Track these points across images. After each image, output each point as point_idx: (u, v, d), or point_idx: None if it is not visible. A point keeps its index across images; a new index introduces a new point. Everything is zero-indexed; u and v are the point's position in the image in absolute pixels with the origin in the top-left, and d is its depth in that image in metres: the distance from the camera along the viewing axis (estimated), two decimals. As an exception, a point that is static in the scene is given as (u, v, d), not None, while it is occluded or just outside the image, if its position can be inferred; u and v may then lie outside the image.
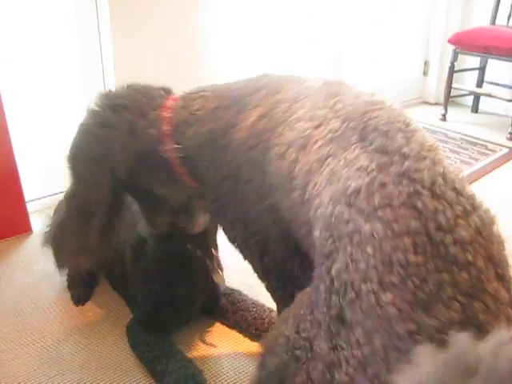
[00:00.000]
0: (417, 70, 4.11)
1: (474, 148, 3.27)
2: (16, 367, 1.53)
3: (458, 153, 3.18)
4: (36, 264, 2.02)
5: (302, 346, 0.88)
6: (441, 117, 3.73)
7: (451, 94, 3.70)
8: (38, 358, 1.56)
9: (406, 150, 0.86)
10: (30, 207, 2.25)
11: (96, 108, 1.31)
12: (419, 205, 0.78)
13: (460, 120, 3.76)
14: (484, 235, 0.78)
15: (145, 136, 1.25)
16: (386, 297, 0.72)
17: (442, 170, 0.84)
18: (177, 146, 1.22)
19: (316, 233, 0.91)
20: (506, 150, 3.23)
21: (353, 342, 0.76)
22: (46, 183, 2.42)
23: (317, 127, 0.99)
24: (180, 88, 1.32)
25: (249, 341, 1.62)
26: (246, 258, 1.31)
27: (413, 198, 0.78)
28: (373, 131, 0.92)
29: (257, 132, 1.09)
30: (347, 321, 0.78)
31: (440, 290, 0.71)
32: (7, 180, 2.10)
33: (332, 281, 0.81)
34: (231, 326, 1.67)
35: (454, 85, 3.65)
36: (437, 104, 4.04)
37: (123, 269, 1.69)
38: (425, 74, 4.13)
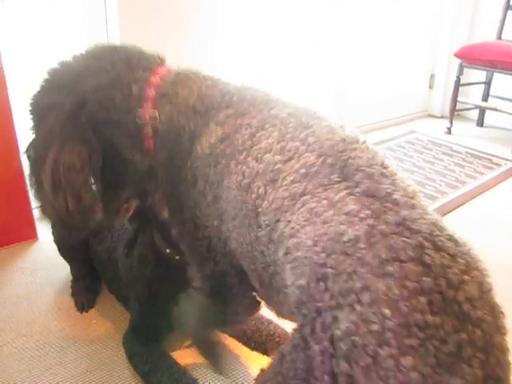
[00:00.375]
0: (422, 84, 4.13)
1: (479, 162, 3.27)
2: (19, 373, 1.53)
3: (462, 166, 3.18)
4: (41, 270, 2.03)
5: None
6: (446, 130, 3.74)
7: (457, 108, 3.71)
8: (42, 364, 1.57)
9: (396, 196, 0.84)
10: (35, 214, 2.26)
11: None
12: (427, 260, 0.74)
13: (465, 133, 3.77)
14: (484, 289, 0.77)
15: (125, 90, 1.15)
16: (407, 361, 0.68)
17: (433, 218, 0.82)
18: (155, 114, 1.14)
19: (290, 278, 0.85)
20: (511, 165, 3.23)
21: None
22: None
23: (287, 161, 0.95)
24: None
25: (246, 349, 1.62)
26: (186, 254, 1.25)
27: (418, 251, 0.75)
28: (356, 172, 0.88)
29: (216, 153, 1.06)
30: None
31: (460, 350, 0.70)
32: (14, 187, 2.12)
33: (332, 343, 0.74)
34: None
35: (459, 98, 3.67)
36: (442, 117, 4.05)
37: (116, 268, 1.70)
38: (430, 87, 4.14)
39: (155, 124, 1.15)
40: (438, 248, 0.76)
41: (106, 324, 1.74)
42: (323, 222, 0.83)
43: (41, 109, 1.19)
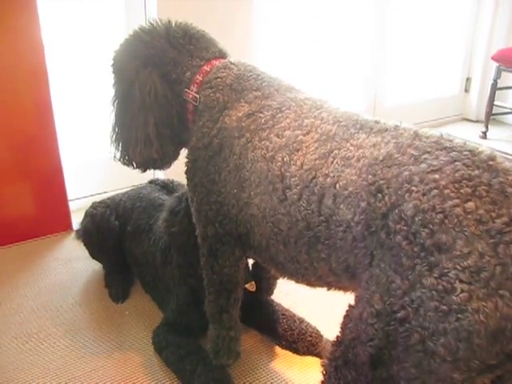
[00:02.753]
0: (458, 87, 4.07)
1: (515, 167, 3.21)
2: (52, 361, 1.57)
3: (498, 171, 3.13)
4: (76, 261, 2.07)
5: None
6: (481, 134, 3.68)
7: (493, 112, 3.65)
8: (74, 353, 1.60)
9: (404, 126, 1.05)
10: (71, 206, 2.31)
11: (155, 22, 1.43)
12: (447, 144, 0.94)
13: (501, 138, 3.70)
14: None
15: (179, 71, 1.39)
16: (469, 205, 0.82)
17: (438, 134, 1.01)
18: (196, 95, 1.36)
19: (349, 213, 0.98)
20: (548, 170, 3.16)
21: (455, 257, 0.80)
22: (87, 183, 2.48)
23: (307, 133, 1.13)
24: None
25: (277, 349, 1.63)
26: (194, 215, 1.41)
27: (437, 145, 0.95)
28: (367, 122, 1.08)
29: (241, 126, 1.24)
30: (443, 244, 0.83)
31: (504, 189, 0.84)
32: (52, 178, 2.17)
33: (408, 225, 0.87)
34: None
35: (496, 102, 3.60)
36: (477, 121, 3.98)
37: (154, 271, 1.72)
38: (466, 90, 4.08)
39: (195, 103, 1.36)
40: (450, 139, 0.96)
41: (139, 316, 1.77)
42: (357, 160, 1.00)
43: (120, 69, 1.42)
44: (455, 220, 0.82)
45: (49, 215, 2.23)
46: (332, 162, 1.04)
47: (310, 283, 1.22)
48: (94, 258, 1.97)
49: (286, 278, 1.30)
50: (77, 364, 1.55)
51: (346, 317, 1.00)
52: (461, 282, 0.78)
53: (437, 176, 0.87)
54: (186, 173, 1.38)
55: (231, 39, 2.45)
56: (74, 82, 2.40)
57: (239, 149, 1.23)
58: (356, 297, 0.98)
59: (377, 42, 3.41)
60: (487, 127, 3.67)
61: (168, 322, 1.61)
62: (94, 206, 1.94)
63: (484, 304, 0.77)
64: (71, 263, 2.06)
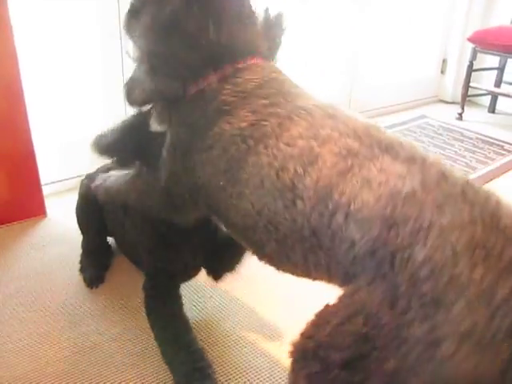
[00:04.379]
0: (434, 69, 4.08)
1: (490, 148, 3.24)
2: (28, 346, 1.54)
3: (473, 152, 3.16)
4: (50, 246, 2.03)
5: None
6: (457, 116, 3.71)
7: (469, 93, 3.67)
8: (49, 339, 1.57)
9: (430, 160, 1.00)
10: (45, 190, 2.27)
11: None
12: (470, 197, 0.93)
13: (477, 119, 3.73)
14: None
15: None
16: (476, 273, 0.83)
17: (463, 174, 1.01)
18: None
19: (357, 234, 0.96)
20: (522, 151, 3.21)
21: (451, 318, 0.83)
22: (62, 166, 2.43)
23: (322, 145, 1.07)
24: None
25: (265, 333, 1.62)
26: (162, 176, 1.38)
27: (462, 194, 0.93)
28: (392, 144, 1.03)
29: (244, 134, 1.19)
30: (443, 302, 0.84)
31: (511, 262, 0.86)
32: (24, 162, 2.12)
33: (412, 273, 0.87)
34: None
35: (471, 84, 3.63)
36: (454, 103, 4.01)
37: (124, 230, 1.72)
38: (442, 72, 4.10)
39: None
40: (475, 188, 0.95)
41: (115, 299, 1.75)
42: (379, 185, 0.97)
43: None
44: (460, 283, 0.83)
45: (22, 200, 2.18)
46: (350, 180, 1.00)
47: (295, 274, 1.23)
48: (82, 232, 1.95)
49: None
50: (52, 349, 1.53)
51: (321, 316, 1.00)
52: (449, 340, 0.81)
53: (455, 236, 0.86)
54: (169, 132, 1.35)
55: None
56: (46, 61, 2.34)
57: (237, 154, 1.19)
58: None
59: (354, 24, 3.39)
60: (463, 108, 3.70)
61: (149, 274, 1.62)
62: (88, 175, 1.91)
63: (467, 360, 0.80)
64: (45, 248, 2.02)
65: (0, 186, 2.13)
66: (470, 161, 3.02)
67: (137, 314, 1.66)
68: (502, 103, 3.88)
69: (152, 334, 1.52)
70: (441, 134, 3.42)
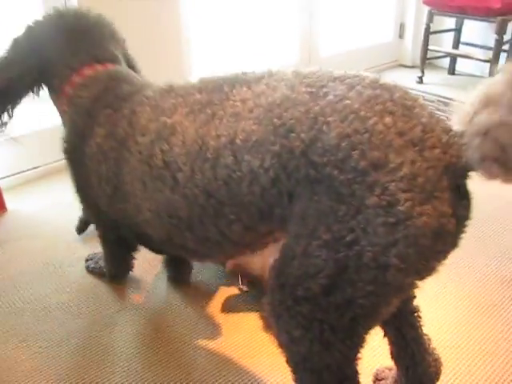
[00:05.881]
0: (392, 33, 4.07)
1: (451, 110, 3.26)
2: (-6, 346, 1.52)
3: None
4: (13, 242, 1.99)
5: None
6: (417, 79, 3.71)
7: (428, 56, 3.68)
8: (15, 335, 1.55)
9: (275, 71, 1.07)
10: (2, 184, 2.22)
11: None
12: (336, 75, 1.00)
13: (437, 82, 3.75)
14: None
15: (50, 80, 1.50)
16: (387, 120, 0.87)
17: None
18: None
19: (255, 161, 0.97)
20: (482, 111, 3.23)
21: (390, 170, 0.85)
22: (16, 159, 2.37)
23: (173, 115, 1.14)
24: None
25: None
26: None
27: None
28: (235, 78, 1.10)
29: (103, 150, 1.31)
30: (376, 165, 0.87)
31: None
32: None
33: (323, 153, 0.90)
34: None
35: (430, 47, 3.62)
36: (413, 67, 4.01)
37: None
38: (400, 36, 4.09)
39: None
40: (331, 72, 1.01)
41: (80, 292, 1.73)
42: (250, 111, 1.00)
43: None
44: (380, 136, 0.86)
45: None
46: (220, 123, 1.03)
47: (229, 256, 1.27)
48: None
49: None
50: (18, 348, 1.51)
51: (278, 262, 1.00)
52: (402, 191, 0.83)
53: (347, 102, 0.90)
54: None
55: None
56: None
57: (107, 172, 1.29)
58: (289, 237, 0.98)
59: (308, -8, 3.35)
60: (423, 72, 3.70)
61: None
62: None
63: (425, 207, 0.83)
64: (8, 244, 1.98)
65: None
66: (432, 124, 3.03)
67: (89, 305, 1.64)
68: (461, 64, 3.89)
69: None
70: (402, 99, 3.42)
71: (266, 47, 3.35)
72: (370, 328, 0.99)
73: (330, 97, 0.92)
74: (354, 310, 0.92)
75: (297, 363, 1.03)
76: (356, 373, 1.03)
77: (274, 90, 0.99)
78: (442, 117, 0.95)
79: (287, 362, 1.05)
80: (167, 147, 1.12)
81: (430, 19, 3.53)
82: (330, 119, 0.89)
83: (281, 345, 1.03)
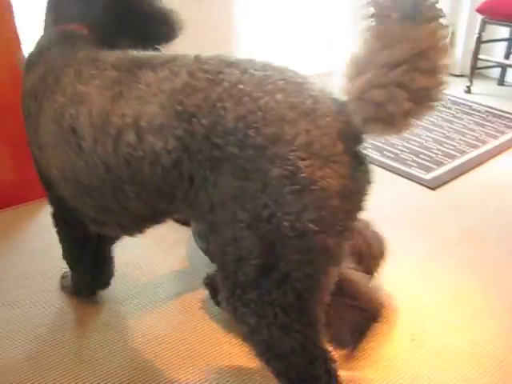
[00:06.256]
0: (442, 41, 4.01)
1: (500, 121, 3.20)
2: (40, 326, 1.55)
3: (482, 125, 3.12)
4: None
5: None
6: (466, 89, 3.65)
7: (477, 66, 3.61)
8: (61, 318, 1.58)
9: (181, 55, 1.10)
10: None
11: None
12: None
13: (485, 92, 3.68)
14: None
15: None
16: (279, 97, 0.95)
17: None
18: None
19: (159, 144, 1.02)
20: (532, 124, 3.16)
21: (286, 141, 0.92)
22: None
23: (87, 84, 1.17)
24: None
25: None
26: None
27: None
28: (145, 59, 1.14)
29: (35, 90, 1.31)
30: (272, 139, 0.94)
31: None
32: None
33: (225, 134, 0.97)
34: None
35: (480, 56, 3.56)
36: (462, 76, 3.95)
37: None
38: (451, 45, 4.02)
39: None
40: (228, 57, 1.06)
41: (119, 278, 1.75)
42: (154, 95, 1.05)
43: None
44: (273, 112, 0.93)
45: (28, 181, 2.17)
46: (126, 103, 1.08)
47: (130, 227, 1.30)
48: None
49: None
50: (63, 329, 1.54)
51: (217, 255, 1.04)
52: (301, 159, 0.90)
53: (240, 86, 0.96)
54: None
55: None
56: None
57: (34, 113, 1.30)
58: (218, 226, 1.01)
59: None
60: (471, 81, 3.64)
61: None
62: None
63: (325, 171, 0.90)
64: (54, 229, 2.02)
65: (7, 170, 2.13)
66: (480, 134, 2.98)
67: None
68: (511, 75, 3.81)
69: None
70: (449, 108, 3.37)
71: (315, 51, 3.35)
72: (318, 303, 1.03)
73: (225, 83, 0.98)
74: (294, 285, 0.97)
75: (263, 353, 1.08)
76: (325, 351, 1.08)
77: (176, 76, 1.04)
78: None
79: (255, 355, 1.10)
80: (75, 114, 1.16)
81: (483, 28, 3.47)
82: (226, 104, 0.96)
83: (244, 338, 1.08)
